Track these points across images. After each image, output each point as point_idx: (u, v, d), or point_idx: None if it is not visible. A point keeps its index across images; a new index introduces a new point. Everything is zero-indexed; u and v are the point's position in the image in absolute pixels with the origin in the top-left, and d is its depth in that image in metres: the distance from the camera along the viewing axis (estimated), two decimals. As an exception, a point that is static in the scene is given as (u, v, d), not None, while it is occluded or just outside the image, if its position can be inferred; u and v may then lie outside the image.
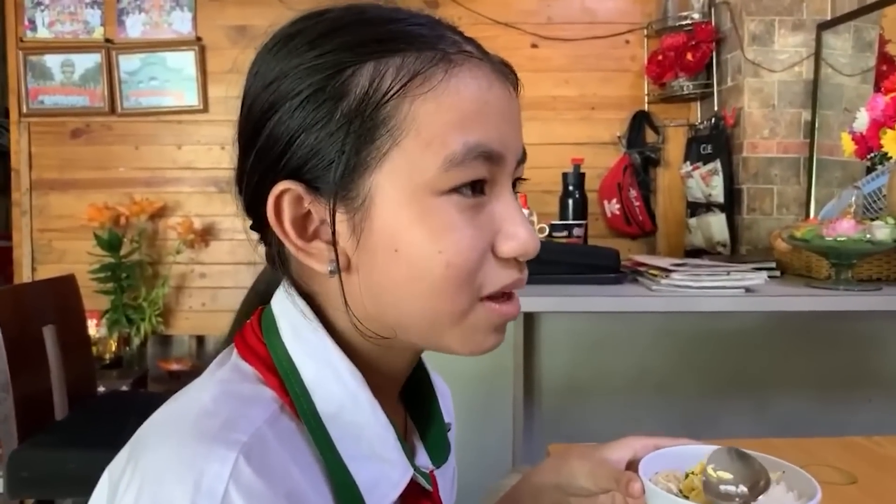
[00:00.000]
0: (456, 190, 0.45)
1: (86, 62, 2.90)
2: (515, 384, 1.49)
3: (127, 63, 2.90)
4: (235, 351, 0.50)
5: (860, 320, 1.58)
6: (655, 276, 1.50)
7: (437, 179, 0.44)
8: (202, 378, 0.49)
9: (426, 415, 0.57)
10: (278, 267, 0.52)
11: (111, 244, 2.77)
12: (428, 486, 0.53)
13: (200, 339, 3.04)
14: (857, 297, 1.47)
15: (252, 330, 0.51)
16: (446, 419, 0.62)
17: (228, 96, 3.03)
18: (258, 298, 0.56)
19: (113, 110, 2.91)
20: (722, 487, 0.60)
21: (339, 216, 0.46)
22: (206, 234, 2.96)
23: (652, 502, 0.57)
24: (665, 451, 0.65)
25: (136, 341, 2.90)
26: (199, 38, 2.91)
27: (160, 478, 0.40)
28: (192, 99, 2.91)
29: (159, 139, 2.96)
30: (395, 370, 0.53)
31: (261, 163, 0.47)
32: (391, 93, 0.44)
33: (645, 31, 2.96)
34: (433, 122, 0.44)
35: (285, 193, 0.46)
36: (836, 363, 1.63)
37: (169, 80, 2.92)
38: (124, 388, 2.60)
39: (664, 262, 1.54)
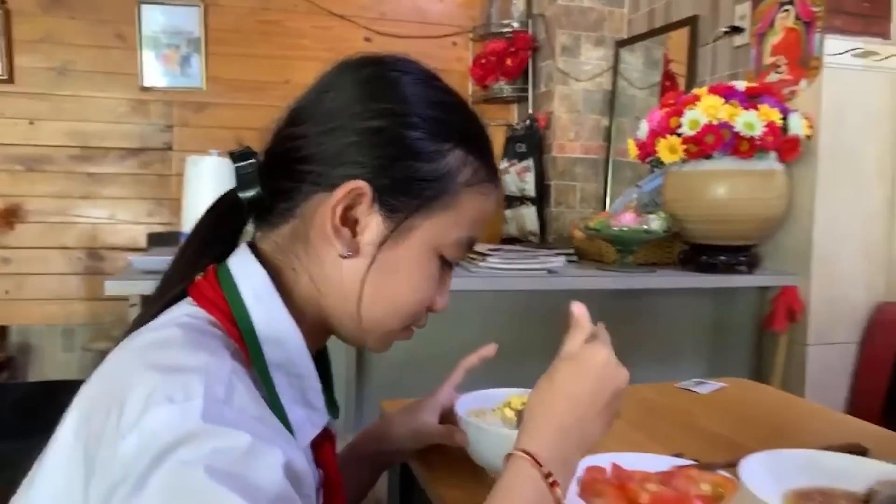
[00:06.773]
0: (443, 257, 0.62)
1: None
2: (348, 356, 1.59)
3: (-88, 22, 2.60)
4: (190, 299, 0.58)
5: (640, 297, 1.86)
6: (474, 259, 1.68)
7: (444, 246, 0.61)
8: (157, 322, 0.55)
9: (326, 376, 0.68)
10: (266, 230, 0.62)
11: None
12: (334, 431, 0.66)
13: (3, 330, 2.81)
14: (637, 276, 1.76)
15: (210, 284, 0.58)
16: None
17: (39, 67, 2.83)
18: (189, 264, 0.62)
19: None
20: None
21: (380, 225, 0.59)
22: (10, 216, 2.74)
23: (470, 432, 0.74)
24: (472, 394, 0.84)
25: (-74, 332, 2.63)
26: (3, 2, 2.68)
27: (174, 368, 0.48)
28: (-6, 68, 2.68)
29: (-46, 110, 2.69)
30: (320, 337, 0.65)
31: (345, 156, 0.59)
32: (465, 183, 0.61)
33: (470, 35, 3.17)
34: (468, 211, 0.61)
35: (357, 188, 0.57)
36: (621, 333, 1.92)
37: (-34, 46, 2.65)
38: (-88, 382, 2.35)
39: (482, 247, 1.73)
